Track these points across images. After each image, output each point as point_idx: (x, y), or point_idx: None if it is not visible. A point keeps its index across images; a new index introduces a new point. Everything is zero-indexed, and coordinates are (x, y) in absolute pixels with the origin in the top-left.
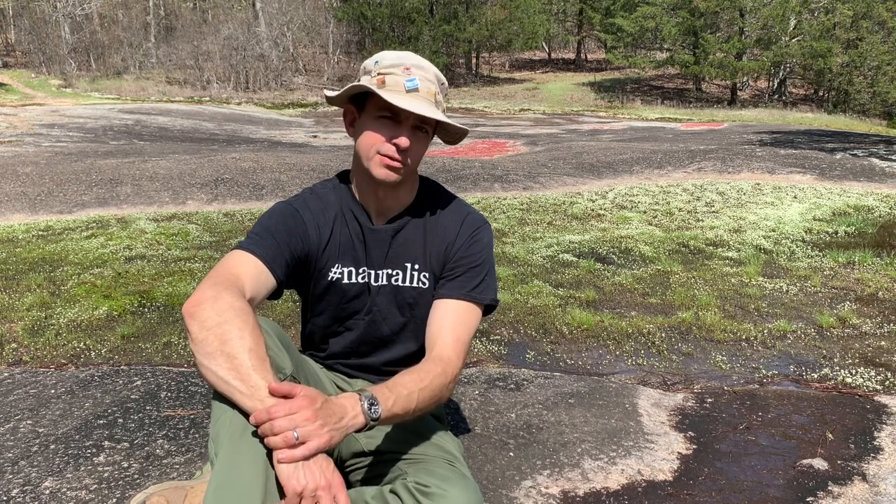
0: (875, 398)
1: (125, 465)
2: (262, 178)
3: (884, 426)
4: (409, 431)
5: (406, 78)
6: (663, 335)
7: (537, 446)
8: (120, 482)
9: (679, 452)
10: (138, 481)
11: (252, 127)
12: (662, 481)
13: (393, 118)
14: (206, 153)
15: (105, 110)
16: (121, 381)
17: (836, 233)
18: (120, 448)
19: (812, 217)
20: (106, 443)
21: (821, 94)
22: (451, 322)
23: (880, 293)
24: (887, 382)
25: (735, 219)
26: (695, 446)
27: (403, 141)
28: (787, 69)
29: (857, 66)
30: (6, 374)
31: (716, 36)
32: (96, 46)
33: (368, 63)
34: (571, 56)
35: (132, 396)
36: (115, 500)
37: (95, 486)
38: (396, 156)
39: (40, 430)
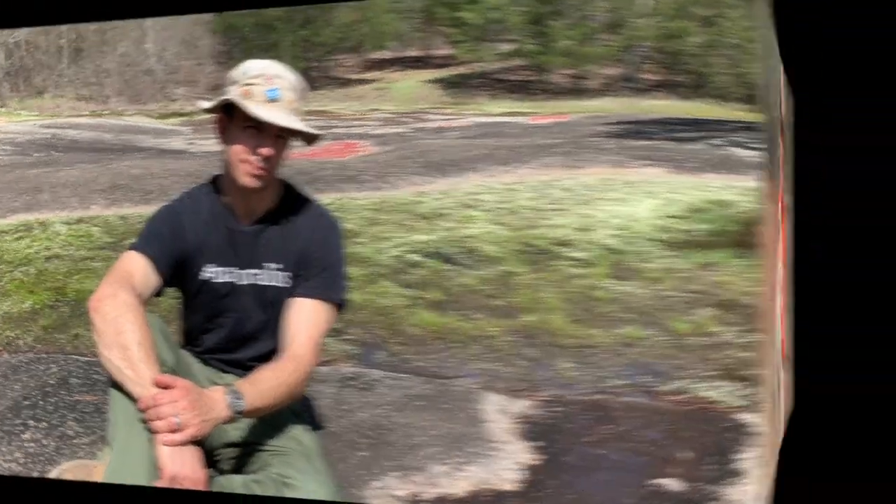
0: (733, 415)
1: (45, 442)
2: (149, 184)
3: (742, 446)
4: (272, 426)
5: (267, 88)
6: (509, 339)
7: (387, 447)
8: (41, 458)
9: (524, 463)
10: (55, 458)
11: (142, 136)
12: (508, 491)
13: (257, 128)
14: (104, 162)
15: (30, 126)
16: (41, 368)
17: (693, 231)
18: (41, 427)
19: (666, 214)
20: (31, 422)
21: (677, 78)
22: (304, 320)
23: (741, 298)
24: (746, 397)
25: (582, 216)
26: (542, 457)
27: (266, 151)
28: (640, 54)
29: (716, 46)
30: None
31: (562, 23)
32: (24, 70)
33: (236, 73)
34: (420, 53)
35: (50, 382)
36: (37, 472)
37: (23, 459)
38: (260, 164)
39: None
